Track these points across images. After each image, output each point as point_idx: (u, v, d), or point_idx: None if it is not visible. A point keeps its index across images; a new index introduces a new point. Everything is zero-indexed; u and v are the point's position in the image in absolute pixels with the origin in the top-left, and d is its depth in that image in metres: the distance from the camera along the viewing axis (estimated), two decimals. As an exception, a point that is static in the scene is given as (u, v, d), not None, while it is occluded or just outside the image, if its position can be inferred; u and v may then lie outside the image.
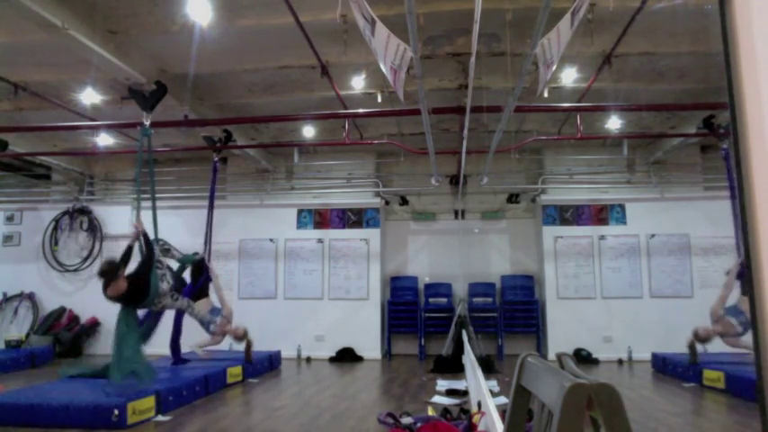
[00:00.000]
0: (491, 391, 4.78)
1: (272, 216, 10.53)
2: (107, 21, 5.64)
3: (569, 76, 6.98)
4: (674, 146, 9.20)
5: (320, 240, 10.40)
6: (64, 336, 10.04)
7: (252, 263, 10.41)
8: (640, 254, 9.76)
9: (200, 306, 7.48)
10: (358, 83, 7.11)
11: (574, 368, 1.29)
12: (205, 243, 8.35)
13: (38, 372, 8.36)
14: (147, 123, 6.44)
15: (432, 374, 7.93)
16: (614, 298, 9.67)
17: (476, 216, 10.69)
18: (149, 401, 5.20)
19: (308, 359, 9.81)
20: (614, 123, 8.69)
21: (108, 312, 6.84)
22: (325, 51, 6.22)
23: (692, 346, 7.14)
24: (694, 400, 6.29)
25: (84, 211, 10.81)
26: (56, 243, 10.83)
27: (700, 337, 7.06)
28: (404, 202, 10.77)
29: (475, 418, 4.15)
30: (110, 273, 5.49)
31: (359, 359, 9.77)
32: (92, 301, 9.37)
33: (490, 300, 10.12)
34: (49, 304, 10.62)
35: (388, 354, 10.10)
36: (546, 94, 6.85)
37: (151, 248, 5.95)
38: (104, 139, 9.25)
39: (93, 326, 10.34)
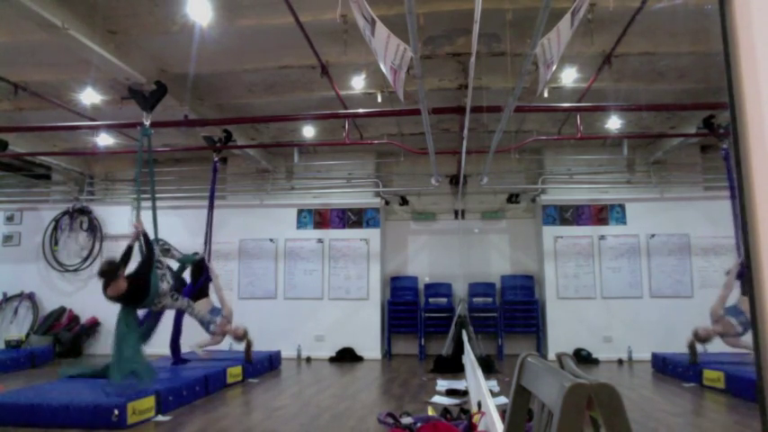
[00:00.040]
0: (491, 391, 4.78)
1: (272, 216, 10.53)
2: (107, 21, 5.64)
3: (569, 76, 6.98)
4: (674, 146, 9.20)
5: (320, 240, 10.40)
6: (64, 336, 10.04)
7: (252, 263, 10.42)
8: (640, 254, 9.76)
9: (201, 306, 7.48)
10: (358, 83, 7.11)
11: (574, 368, 1.29)
12: (205, 243, 8.35)
13: (38, 372, 8.36)
14: (147, 123, 6.44)
15: (432, 374, 7.93)
16: (614, 298, 9.67)
17: (476, 216, 10.69)
18: (149, 401, 5.20)
19: (308, 359, 9.81)
20: (614, 123, 8.69)
21: (108, 312, 6.84)
22: (325, 51, 6.22)
23: (692, 347, 7.14)
24: (694, 400, 6.29)
25: (84, 211, 10.81)
26: (56, 243, 10.83)
27: (700, 338, 7.06)
28: (404, 202, 10.77)
29: (475, 418, 4.15)
30: (110, 273, 5.49)
31: (359, 359, 9.77)
32: (92, 301, 9.37)
33: (490, 300, 10.12)
34: (49, 304, 10.62)
35: (388, 354, 10.10)
36: (546, 94, 6.85)
37: (151, 248, 5.95)
38: (104, 139, 9.25)
39: (93, 326, 10.34)
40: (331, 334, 10.00)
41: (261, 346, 8.81)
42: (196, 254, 7.93)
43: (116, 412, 4.78)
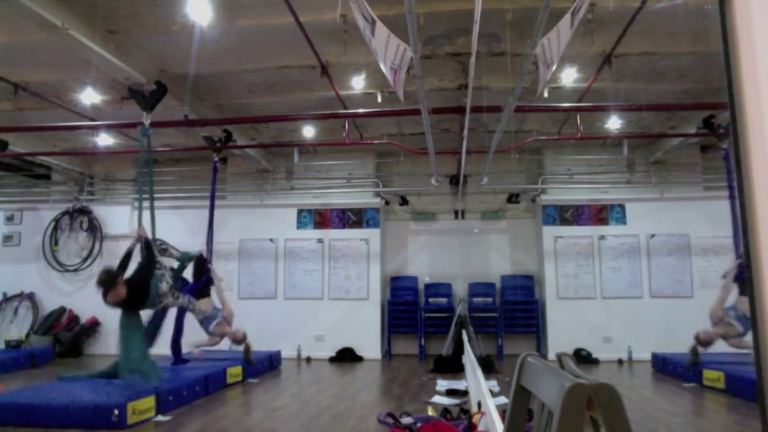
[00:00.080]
0: (491, 391, 4.78)
1: (272, 216, 10.53)
2: (107, 21, 5.64)
3: (569, 76, 6.98)
4: (674, 146, 9.20)
5: (320, 240, 10.40)
6: (64, 336, 10.04)
7: (252, 263, 10.42)
8: (640, 254, 9.76)
9: (201, 306, 7.49)
10: (358, 83, 7.11)
11: (574, 368, 1.29)
12: (207, 243, 8.34)
13: (38, 372, 8.37)
14: (147, 123, 6.44)
15: (432, 374, 7.93)
16: (614, 298, 9.67)
17: (476, 216, 10.69)
18: (149, 401, 5.20)
19: (308, 359, 9.81)
20: (614, 123, 8.69)
21: (108, 312, 6.83)
22: (325, 51, 6.22)
23: (694, 350, 7.07)
24: (694, 400, 6.29)
25: (84, 211, 10.81)
26: (56, 243, 10.83)
27: (701, 341, 7.00)
28: (404, 202, 10.77)
29: (475, 418, 4.15)
30: (108, 282, 5.49)
31: (359, 359, 9.77)
32: (92, 301, 9.30)
33: (490, 300, 10.12)
34: (49, 304, 10.62)
35: (388, 354, 10.10)
36: (546, 94, 6.85)
37: (152, 253, 5.94)
38: (104, 139, 9.25)
39: (93, 326, 10.34)
40: (331, 334, 10.00)
41: (261, 346, 8.80)
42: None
43: (116, 412, 4.78)
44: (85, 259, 10.70)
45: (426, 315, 10.05)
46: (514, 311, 10.02)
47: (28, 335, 10.16)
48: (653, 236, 9.76)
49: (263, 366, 8.21)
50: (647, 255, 9.73)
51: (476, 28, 3.42)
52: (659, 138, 9.45)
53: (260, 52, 6.46)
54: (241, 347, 7.87)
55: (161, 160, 10.79)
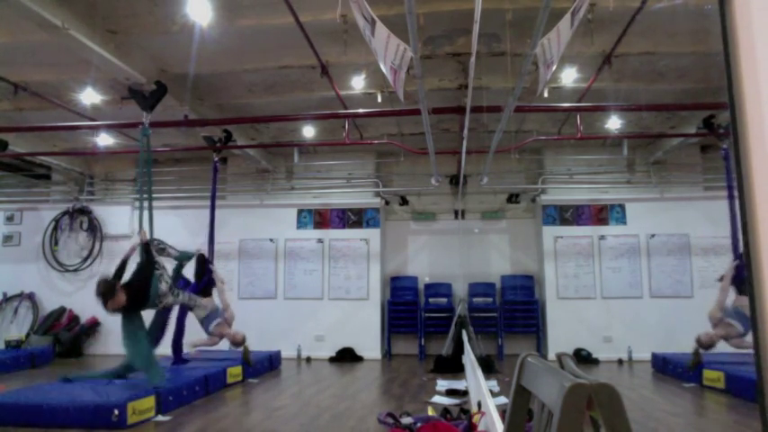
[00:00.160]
0: (491, 391, 4.78)
1: (272, 216, 10.53)
2: (107, 21, 5.64)
3: (569, 76, 6.98)
4: (674, 146, 9.20)
5: (320, 240, 10.40)
6: (64, 336, 10.04)
7: (252, 263, 10.42)
8: (640, 254, 9.76)
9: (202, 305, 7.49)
10: (358, 83, 7.11)
11: (574, 368, 1.29)
12: (209, 244, 8.32)
13: (38, 372, 8.37)
14: (147, 123, 6.44)
15: (432, 374, 7.93)
16: (614, 298, 9.67)
17: (476, 216, 10.69)
18: (149, 401, 5.20)
19: (308, 359, 9.82)
20: (614, 123, 8.69)
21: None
22: (325, 51, 6.22)
23: (696, 353, 7.05)
24: (694, 400, 6.29)
25: (84, 211, 10.81)
26: (56, 243, 10.83)
27: (703, 344, 6.98)
28: (404, 202, 10.77)
29: (475, 418, 4.15)
30: (108, 292, 5.49)
31: (359, 359, 9.77)
32: (92, 302, 9.21)
33: (490, 300, 10.12)
34: (49, 304, 10.62)
35: (388, 354, 10.10)
36: (546, 94, 6.85)
37: (152, 256, 5.94)
38: (104, 139, 9.25)
39: (93, 326, 10.34)
40: (331, 334, 10.00)
41: (261, 346, 8.82)
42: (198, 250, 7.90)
43: (116, 412, 4.78)
44: (85, 259, 10.70)
45: (426, 315, 10.05)
46: (514, 311, 10.02)
47: (28, 335, 10.16)
48: (653, 236, 9.76)
49: (263, 366, 8.21)
50: (647, 255, 9.73)
51: (476, 28, 3.42)
52: (659, 138, 9.45)
53: (260, 52, 6.46)
54: (240, 349, 7.84)
55: (161, 160, 10.79)
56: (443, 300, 10.19)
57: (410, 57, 3.54)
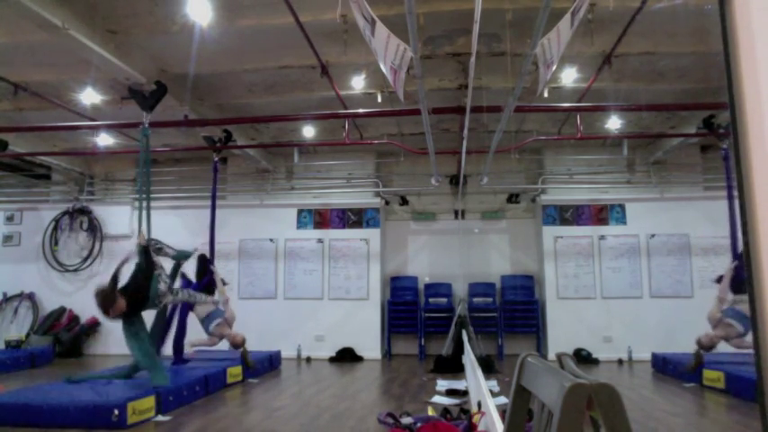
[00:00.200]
0: (491, 391, 4.78)
1: (272, 216, 10.53)
2: (107, 21, 5.64)
3: (569, 76, 6.98)
4: (674, 146, 9.20)
5: (320, 240, 10.40)
6: (64, 336, 10.04)
7: (252, 263, 10.42)
8: (640, 254, 9.76)
9: (203, 306, 7.49)
10: (358, 83, 7.11)
11: (574, 368, 1.29)
12: (210, 244, 8.32)
13: (38, 372, 8.36)
14: (147, 123, 6.44)
15: (432, 374, 7.93)
16: (614, 298, 9.67)
17: (476, 216, 10.69)
18: (149, 401, 5.20)
19: (308, 359, 9.82)
20: (614, 123, 8.69)
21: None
22: (325, 51, 6.22)
23: (697, 355, 7.04)
24: (694, 400, 6.29)
25: (84, 211, 10.81)
26: (56, 243, 10.83)
27: (703, 346, 6.97)
28: (404, 202, 10.77)
29: (475, 418, 4.15)
30: (108, 302, 5.49)
31: (359, 359, 9.77)
32: (92, 302, 9.33)
33: (490, 300, 10.12)
34: (49, 304, 10.62)
35: (388, 354, 10.10)
36: (546, 94, 6.85)
37: (151, 260, 5.94)
38: (104, 139, 9.25)
39: (93, 326, 10.34)
40: (331, 334, 10.00)
41: (261, 346, 8.82)
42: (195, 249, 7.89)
43: (116, 412, 4.78)
44: (85, 259, 10.70)
45: (426, 315, 10.05)
46: (514, 311, 10.02)
47: (28, 335, 10.16)
48: (653, 236, 9.76)
49: (263, 366, 8.21)
50: (647, 255, 9.73)
51: (476, 28, 3.42)
52: (659, 138, 9.45)
53: (260, 52, 6.46)
54: (239, 351, 7.82)
55: (161, 160, 10.79)
56: (443, 300, 10.19)
57: (410, 57, 3.54)
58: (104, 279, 5.78)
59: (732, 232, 7.36)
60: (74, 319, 10.44)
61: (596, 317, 9.60)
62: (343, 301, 10.16)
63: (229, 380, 7.09)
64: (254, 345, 8.10)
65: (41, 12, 4.81)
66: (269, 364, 8.46)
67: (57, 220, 10.86)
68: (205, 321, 7.54)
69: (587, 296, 9.74)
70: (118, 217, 10.72)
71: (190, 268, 7.84)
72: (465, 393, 6.28)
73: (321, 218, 10.51)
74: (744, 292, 6.66)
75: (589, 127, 8.62)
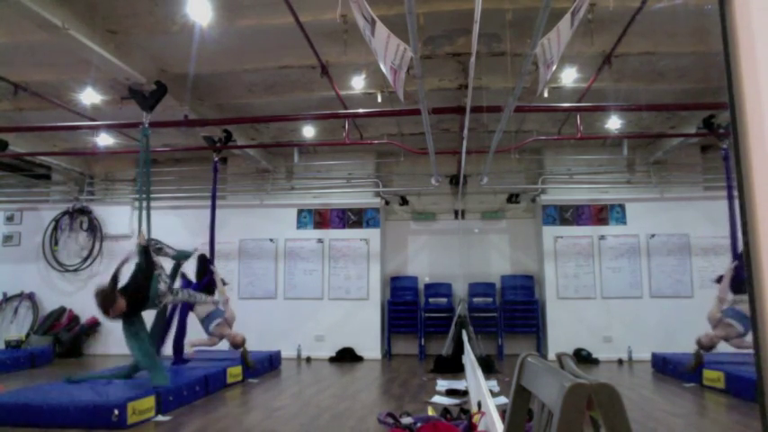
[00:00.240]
0: (491, 391, 4.78)
1: (272, 216, 10.53)
2: (107, 21, 5.64)
3: (569, 76, 6.98)
4: (674, 146, 9.20)
5: (320, 240, 10.40)
6: (64, 336, 10.04)
7: (252, 263, 10.42)
8: (640, 254, 9.76)
9: (203, 306, 7.50)
10: (358, 83, 7.10)
11: (574, 368, 1.29)
12: (210, 244, 8.31)
13: (38, 372, 8.36)
14: (147, 123, 6.44)
15: (432, 374, 7.93)
16: (614, 298, 9.67)
17: (476, 216, 10.69)
18: (149, 401, 5.20)
19: (308, 359, 9.82)
20: (614, 123, 8.69)
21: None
22: (325, 51, 6.22)
23: (697, 355, 7.04)
24: (694, 400, 6.29)
25: (84, 211, 10.81)
26: (56, 243, 10.83)
27: (703, 346, 6.97)
28: (404, 202, 10.77)
29: (475, 418, 4.15)
30: (108, 303, 5.49)
31: (359, 359, 9.77)
32: (92, 302, 9.33)
33: (490, 300, 10.12)
34: (49, 304, 10.62)
35: (388, 354, 10.10)
36: (546, 94, 6.85)
37: (151, 261, 5.94)
38: (104, 139, 9.25)
39: (93, 326, 10.34)
40: (331, 334, 10.00)
41: (261, 346, 8.82)
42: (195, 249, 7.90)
43: (116, 412, 4.78)
44: (85, 259, 10.70)
45: (426, 315, 10.05)
46: (514, 311, 10.02)
47: (28, 335, 10.16)
48: (653, 236, 9.76)
49: (263, 366, 8.21)
50: (647, 255, 9.73)
51: (476, 28, 3.42)
52: (659, 138, 9.45)
53: (260, 52, 6.46)
54: (239, 351, 7.82)
55: (161, 160, 10.79)
56: (443, 300, 10.19)
57: (410, 57, 3.54)
58: (104, 279, 5.77)
59: (732, 232, 7.36)
60: (74, 319, 10.44)
61: (596, 317, 9.60)
62: (343, 301, 10.16)
63: (229, 380, 7.09)
64: (254, 345, 8.10)
65: (41, 12, 4.81)
66: (269, 364, 8.46)
67: (57, 220, 10.86)
68: (205, 321, 7.54)
69: (587, 296, 9.74)
70: (118, 217, 10.72)
71: (190, 268, 7.84)
72: (465, 393, 6.28)
73: (321, 218, 10.51)
74: (744, 292, 6.66)
75: (589, 127, 8.62)
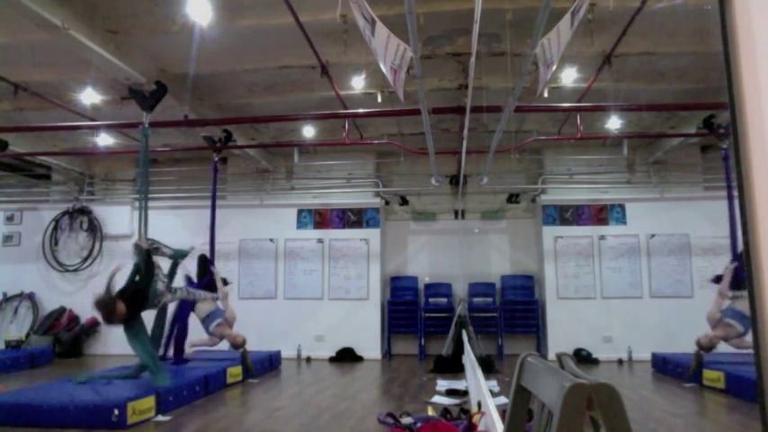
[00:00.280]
0: (491, 391, 4.78)
1: (272, 216, 10.53)
2: (107, 21, 5.64)
3: (569, 76, 6.98)
4: (674, 146, 9.20)
5: (320, 240, 10.40)
6: (64, 336, 10.04)
7: (252, 263, 10.42)
8: (640, 254, 9.76)
9: (204, 306, 7.50)
10: (358, 83, 7.10)
11: (574, 368, 1.29)
12: (210, 244, 8.31)
13: (38, 372, 8.36)
14: (147, 123, 6.44)
15: (432, 374, 7.93)
16: (614, 298, 9.67)
17: (476, 216, 10.69)
18: (149, 401, 5.20)
19: (308, 359, 9.81)
20: (614, 123, 8.69)
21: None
22: (325, 51, 6.22)
23: (697, 356, 7.04)
24: (694, 400, 6.29)
25: (84, 211, 10.81)
26: (56, 243, 10.83)
27: (703, 346, 6.97)
28: (404, 202, 10.77)
29: (475, 418, 4.15)
30: (109, 310, 5.49)
31: (359, 359, 9.77)
32: (92, 301, 9.36)
33: (490, 300, 10.12)
34: (49, 304, 10.62)
35: (388, 354, 10.10)
36: (546, 94, 6.85)
37: (152, 263, 5.93)
38: (104, 139, 9.25)
39: (93, 326, 10.34)
40: (331, 334, 10.00)
41: (261, 346, 8.81)
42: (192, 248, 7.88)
43: (116, 412, 4.78)
44: (85, 259, 10.70)
45: (426, 315, 10.05)
46: (514, 311, 10.02)
47: (28, 335, 10.16)
48: (653, 236, 9.76)
49: (263, 366, 8.21)
50: (647, 255, 9.73)
51: (476, 28, 3.42)
52: (659, 138, 9.45)
53: (260, 52, 6.46)
54: (240, 351, 7.81)
55: (161, 160, 10.80)
56: (443, 300, 10.19)
57: (410, 57, 3.54)
58: (101, 287, 5.74)
59: (732, 232, 7.37)
60: (74, 319, 10.44)
61: (596, 317, 9.60)
62: (343, 301, 10.16)
63: (229, 380, 7.09)
64: (254, 345, 8.10)
65: (41, 12, 4.81)
66: (269, 364, 8.45)
67: (57, 220, 10.86)
68: (205, 321, 7.55)
69: (587, 296, 9.74)
70: (118, 217, 10.72)
71: (191, 269, 7.85)
72: (465, 393, 6.28)
73: (321, 218, 10.51)
74: (743, 289, 6.66)
75: (589, 127, 8.62)
